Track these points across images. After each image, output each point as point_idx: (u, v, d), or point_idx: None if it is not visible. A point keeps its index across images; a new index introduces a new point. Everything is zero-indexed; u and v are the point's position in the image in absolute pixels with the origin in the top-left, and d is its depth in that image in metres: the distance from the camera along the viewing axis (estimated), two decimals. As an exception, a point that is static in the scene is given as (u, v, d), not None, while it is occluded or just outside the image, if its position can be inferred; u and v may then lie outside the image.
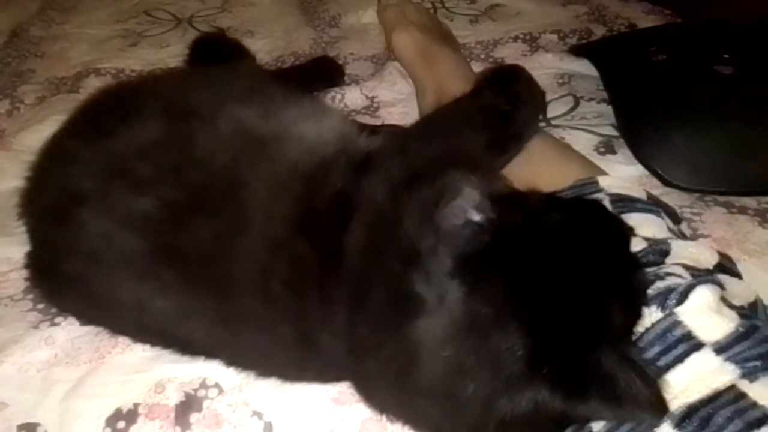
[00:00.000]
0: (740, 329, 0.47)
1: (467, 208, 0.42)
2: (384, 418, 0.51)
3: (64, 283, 0.61)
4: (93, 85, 1.00)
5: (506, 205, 0.47)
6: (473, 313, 0.42)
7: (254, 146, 0.60)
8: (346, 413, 0.54)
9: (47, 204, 0.62)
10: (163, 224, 0.55)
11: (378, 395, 0.51)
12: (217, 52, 0.94)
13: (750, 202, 0.71)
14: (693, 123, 0.74)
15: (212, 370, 0.57)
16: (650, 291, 0.50)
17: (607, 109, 0.84)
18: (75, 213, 0.57)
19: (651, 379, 0.42)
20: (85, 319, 0.62)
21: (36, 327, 0.63)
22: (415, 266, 0.44)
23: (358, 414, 0.54)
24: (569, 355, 0.42)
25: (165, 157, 0.59)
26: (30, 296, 0.66)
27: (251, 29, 1.18)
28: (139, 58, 1.10)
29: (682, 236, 0.60)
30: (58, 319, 0.63)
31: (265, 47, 1.10)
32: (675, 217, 0.63)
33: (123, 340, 0.61)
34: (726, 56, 0.79)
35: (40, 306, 0.65)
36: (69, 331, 0.62)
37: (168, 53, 1.10)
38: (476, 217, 0.42)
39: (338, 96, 0.95)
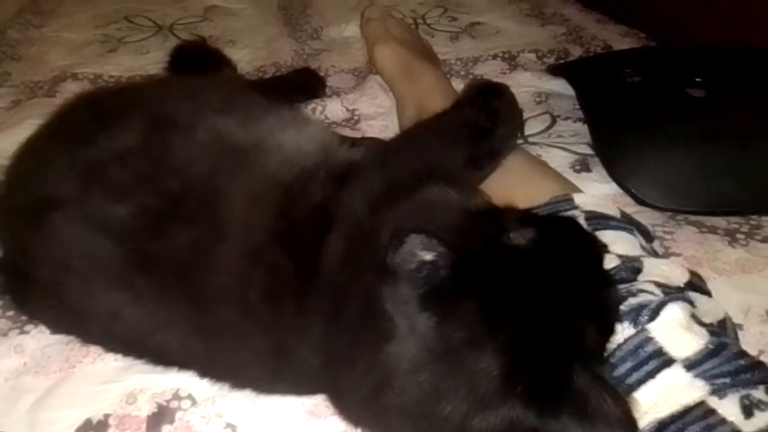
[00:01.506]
0: (710, 346, 0.48)
1: (416, 251, 0.42)
2: (359, 431, 0.51)
3: (35, 289, 0.60)
4: (70, 89, 0.99)
5: (464, 232, 0.47)
6: (446, 339, 0.43)
7: (233, 156, 0.60)
8: (321, 426, 0.54)
9: (21, 208, 0.61)
10: (139, 232, 0.55)
11: (353, 410, 0.51)
12: (197, 61, 0.94)
13: (720, 221, 0.72)
14: (665, 144, 0.75)
15: (185, 381, 0.57)
16: (623, 307, 0.50)
17: (583, 128, 0.86)
18: (49, 218, 0.56)
19: (621, 398, 0.42)
20: (56, 327, 0.61)
21: (5, 335, 0.61)
22: (388, 285, 0.44)
23: (333, 427, 0.53)
24: (543, 373, 0.42)
25: (142, 165, 0.58)
26: (-1, 303, 0.64)
27: (233, 39, 1.18)
28: (118, 64, 1.10)
29: (654, 254, 0.61)
30: (27, 327, 0.62)
31: (246, 57, 1.11)
32: (647, 236, 0.64)
33: (94, 350, 0.60)
34: (698, 80, 0.81)
35: (10, 313, 0.63)
36: (39, 339, 0.61)
37: (148, 60, 1.10)
38: (428, 256, 0.43)
39: (319, 108, 0.95)
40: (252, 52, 1.13)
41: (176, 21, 1.25)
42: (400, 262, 0.42)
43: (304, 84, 0.98)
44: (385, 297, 0.44)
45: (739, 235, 0.70)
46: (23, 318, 0.63)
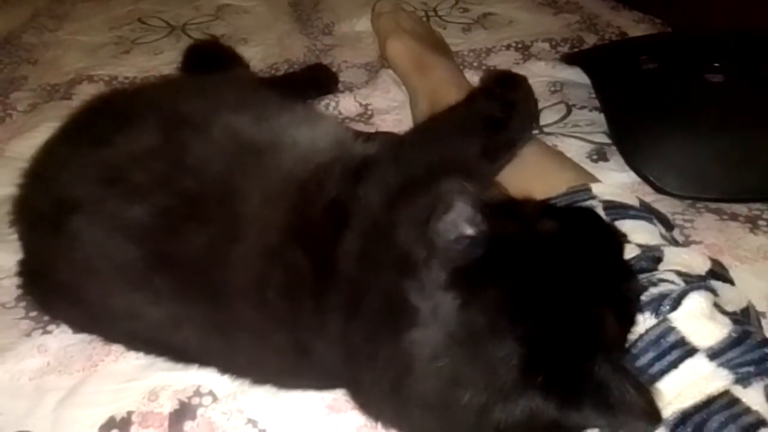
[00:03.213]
0: (733, 335, 0.47)
1: (460, 222, 0.42)
2: (379, 425, 0.51)
3: (56, 290, 0.60)
4: (86, 92, 1.00)
5: (500, 215, 0.47)
6: (468, 323, 0.42)
7: (248, 154, 0.60)
8: (341, 421, 0.54)
9: (40, 211, 0.62)
10: (157, 232, 0.55)
11: (373, 403, 0.51)
12: (210, 60, 0.94)
13: (741, 208, 0.71)
14: (684, 130, 0.74)
15: (206, 377, 0.57)
16: (644, 297, 0.50)
17: (599, 117, 0.85)
18: (68, 221, 0.57)
19: (644, 388, 0.42)
20: (78, 326, 0.62)
21: (28, 335, 0.62)
22: (409, 276, 0.44)
23: (353, 421, 0.54)
24: (563, 363, 0.42)
25: (159, 165, 0.58)
26: (22, 304, 0.65)
27: (245, 37, 1.18)
28: (133, 65, 1.11)
29: (675, 243, 0.61)
30: (50, 327, 0.63)
31: (259, 54, 1.11)
32: (667, 224, 0.63)
33: (116, 348, 0.60)
34: (716, 65, 0.79)
35: (33, 314, 0.64)
36: (62, 339, 0.62)
37: (161, 60, 1.11)
38: (469, 230, 0.42)
39: (332, 103, 0.95)
40: (264, 50, 1.13)
41: (189, 21, 1.25)
42: (441, 230, 0.42)
43: (317, 80, 0.98)
44: (408, 276, 0.43)
45: (760, 222, 0.69)
46: (46, 318, 0.64)
